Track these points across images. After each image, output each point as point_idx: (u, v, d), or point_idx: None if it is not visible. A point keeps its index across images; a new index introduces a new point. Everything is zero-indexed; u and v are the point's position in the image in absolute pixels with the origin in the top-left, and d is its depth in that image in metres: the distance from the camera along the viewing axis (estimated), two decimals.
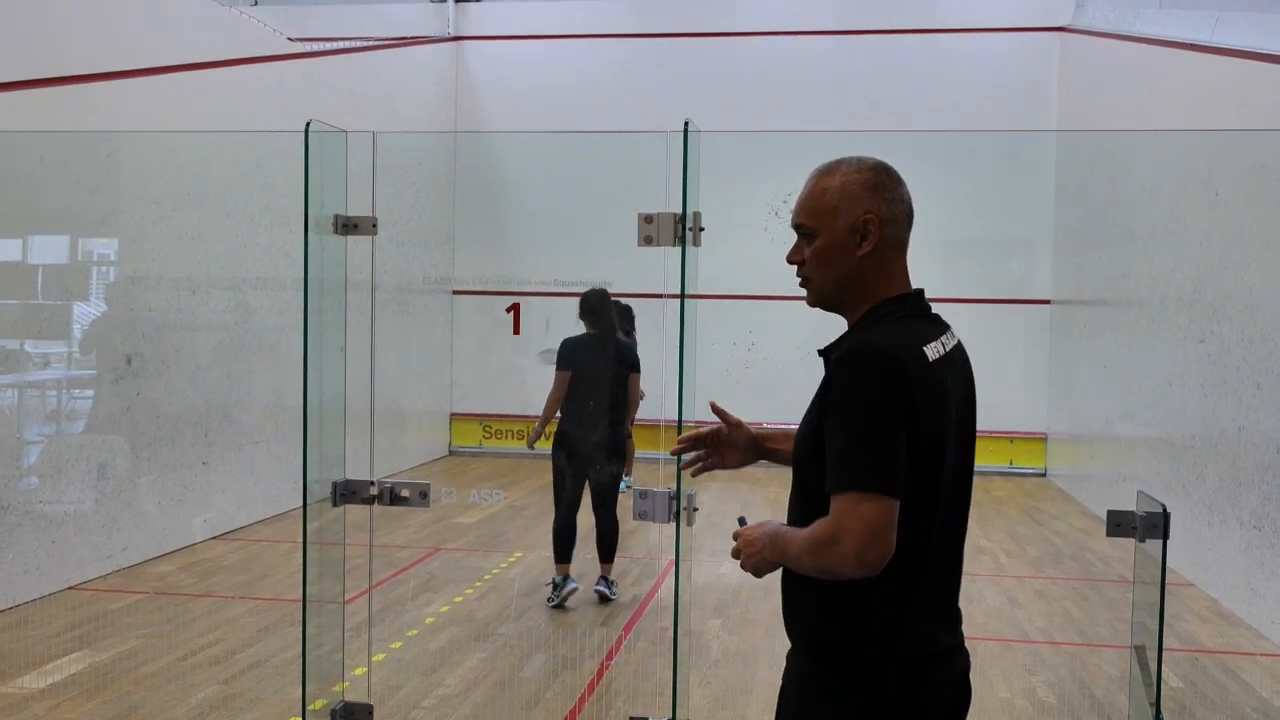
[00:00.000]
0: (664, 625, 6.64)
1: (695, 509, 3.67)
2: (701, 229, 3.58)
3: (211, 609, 6.90)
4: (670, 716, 3.85)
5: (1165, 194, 8.94)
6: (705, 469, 2.69)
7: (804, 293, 2.40)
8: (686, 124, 3.54)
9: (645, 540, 8.99)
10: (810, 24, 13.68)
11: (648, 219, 3.54)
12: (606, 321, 7.23)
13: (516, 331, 13.03)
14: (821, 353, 2.34)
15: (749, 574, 2.38)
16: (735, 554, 2.38)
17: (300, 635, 4.13)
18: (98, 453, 7.69)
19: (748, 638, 6.52)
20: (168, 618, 6.71)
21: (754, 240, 13.07)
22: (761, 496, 11.49)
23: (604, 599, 7.22)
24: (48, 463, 7.52)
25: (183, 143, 8.27)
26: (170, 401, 8.28)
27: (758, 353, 13.33)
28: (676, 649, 3.81)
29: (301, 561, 4.36)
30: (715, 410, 2.69)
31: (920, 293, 2.35)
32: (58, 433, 8.01)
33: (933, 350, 2.22)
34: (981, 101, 13.13)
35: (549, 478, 10.56)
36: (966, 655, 2.40)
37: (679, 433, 3.69)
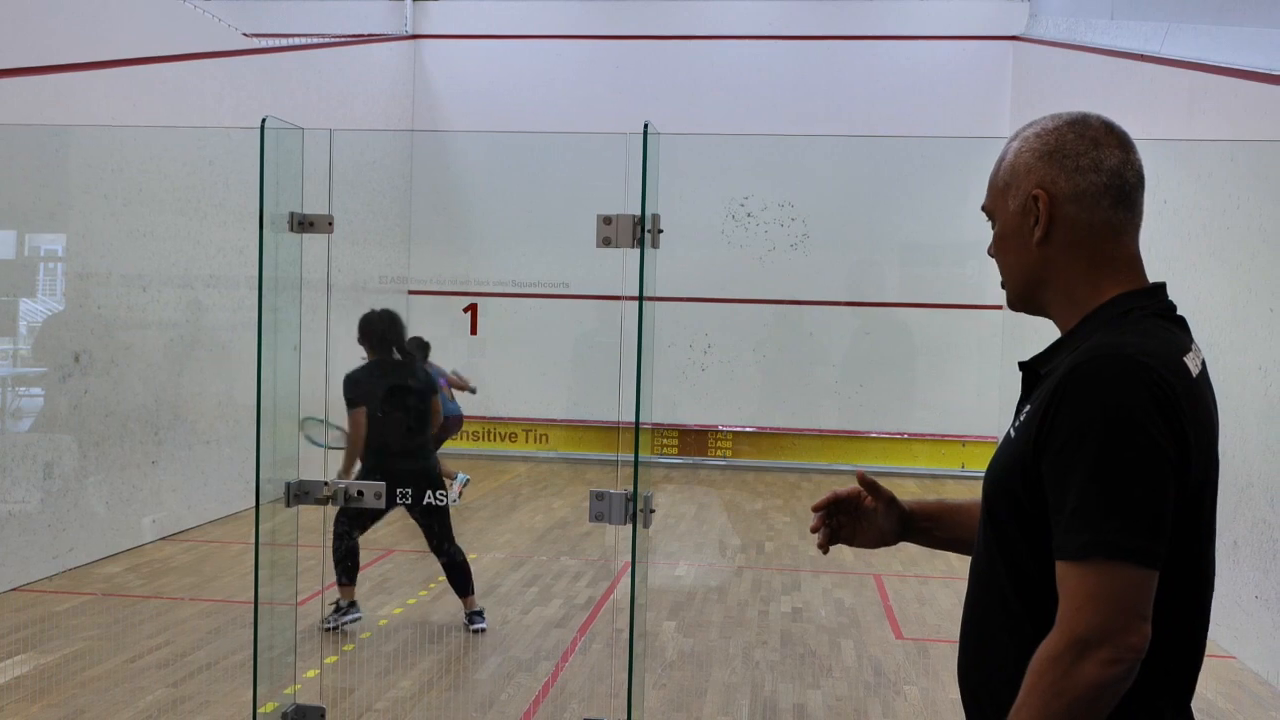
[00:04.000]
0: (619, 627, 6.63)
1: (651, 511, 3.68)
2: (660, 231, 3.59)
3: (161, 610, 6.81)
4: (625, 718, 3.85)
5: None
6: (834, 541, 2.16)
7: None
8: (646, 126, 3.54)
9: (601, 542, 8.99)
10: (768, 29, 13.76)
11: (606, 220, 3.54)
12: (394, 345, 6.46)
13: (474, 332, 13.00)
14: (1026, 366, 1.84)
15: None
16: None
17: (252, 637, 4.09)
18: (44, 452, 7.57)
19: (702, 639, 6.54)
20: (116, 619, 6.61)
21: (711, 243, 13.15)
22: (717, 499, 11.54)
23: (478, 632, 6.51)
24: None
25: (134, 138, 8.17)
26: (119, 400, 8.16)
27: (714, 355, 13.38)
28: (631, 650, 3.81)
29: (253, 563, 4.31)
30: (863, 482, 2.12)
31: (1160, 287, 1.78)
32: (2, 431, 7.87)
33: (1193, 363, 1.69)
34: (936, 107, 13.26)
35: (506, 479, 10.53)
36: None
37: (636, 434, 3.70)
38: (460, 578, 6.50)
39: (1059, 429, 1.61)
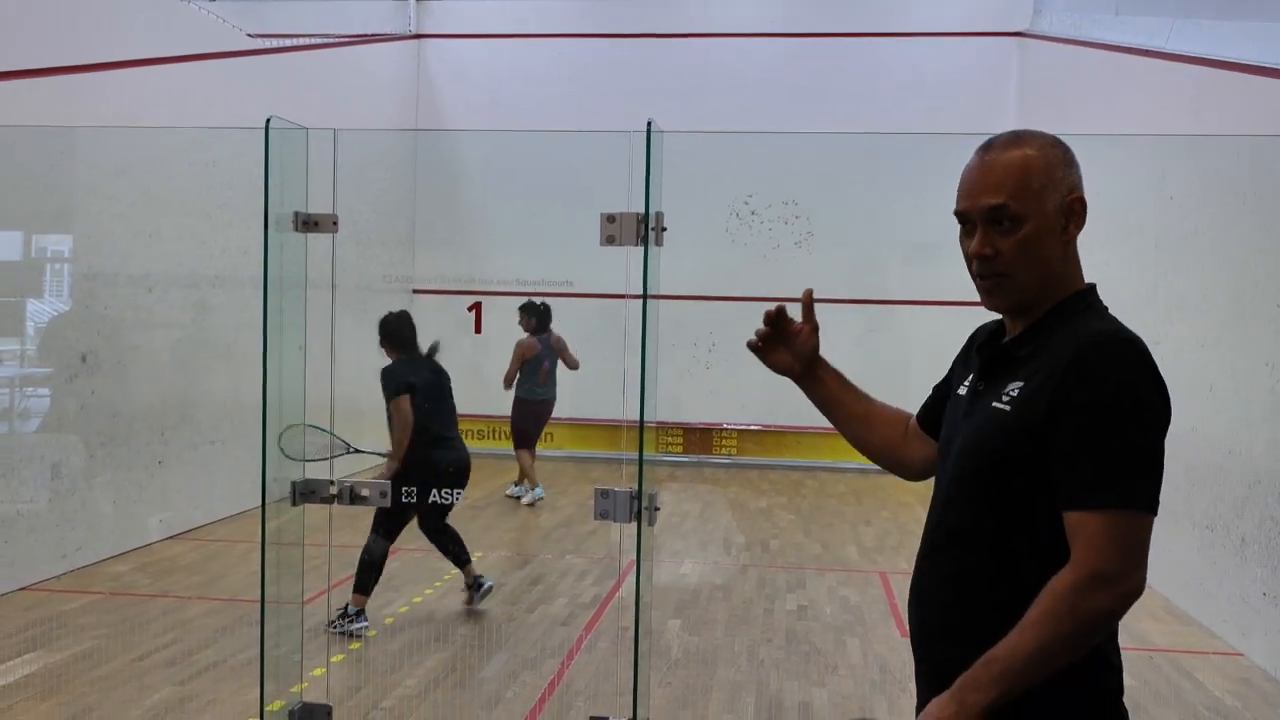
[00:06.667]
0: (624, 625, 6.64)
1: (656, 509, 3.68)
2: (664, 229, 3.59)
3: (168, 609, 6.83)
4: (631, 716, 3.85)
5: (1120, 197, 9.07)
6: (756, 347, 2.45)
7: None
8: (649, 124, 3.54)
9: (606, 540, 8.99)
10: (771, 26, 13.74)
11: (610, 219, 3.54)
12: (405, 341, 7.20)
13: (478, 331, 13.00)
14: (988, 349, 2.10)
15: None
16: None
17: (258, 636, 4.10)
18: (51, 452, 7.59)
19: (708, 637, 6.54)
20: (123, 618, 6.63)
21: (715, 241, 13.14)
22: (722, 497, 11.53)
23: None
24: (0, 462, 7.41)
25: (140, 138, 8.18)
26: (126, 400, 8.18)
27: (718, 353, 13.37)
28: (637, 648, 3.82)
29: (260, 561, 4.32)
30: (806, 301, 2.44)
31: (1095, 286, 2.08)
32: (10, 431, 7.89)
33: None
34: (940, 104, 13.24)
35: (510, 477, 10.53)
36: None
37: (640, 432, 3.71)
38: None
39: (1073, 399, 1.85)
